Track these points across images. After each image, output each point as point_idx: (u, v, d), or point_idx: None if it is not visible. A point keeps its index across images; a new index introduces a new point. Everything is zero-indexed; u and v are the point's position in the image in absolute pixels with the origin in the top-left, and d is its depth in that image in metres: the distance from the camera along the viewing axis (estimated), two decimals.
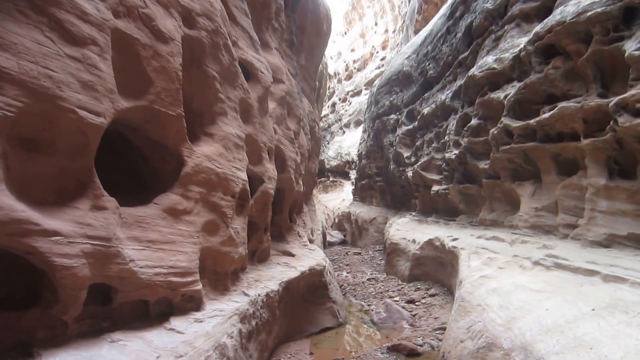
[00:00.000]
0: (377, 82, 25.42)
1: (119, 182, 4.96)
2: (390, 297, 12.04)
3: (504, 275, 7.35)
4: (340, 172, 40.94)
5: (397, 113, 19.82)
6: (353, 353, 8.01)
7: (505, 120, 9.29)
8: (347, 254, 21.31)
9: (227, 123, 6.49)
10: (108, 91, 4.13)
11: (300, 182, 11.62)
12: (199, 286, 5.23)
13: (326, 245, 21.84)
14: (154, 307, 4.75)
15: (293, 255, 9.78)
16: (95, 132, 3.97)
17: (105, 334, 4.12)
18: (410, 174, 16.94)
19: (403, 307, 10.67)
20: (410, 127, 17.81)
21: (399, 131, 18.91)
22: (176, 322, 4.78)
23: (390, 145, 20.24)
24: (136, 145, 5.36)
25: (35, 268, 3.62)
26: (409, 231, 15.62)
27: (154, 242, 4.67)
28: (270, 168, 8.40)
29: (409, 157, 17.70)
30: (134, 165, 5.62)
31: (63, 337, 3.81)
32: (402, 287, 13.11)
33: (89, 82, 3.90)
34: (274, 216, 9.65)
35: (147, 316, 4.69)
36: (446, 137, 13.56)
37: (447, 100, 13.50)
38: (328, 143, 44.66)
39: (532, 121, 8.44)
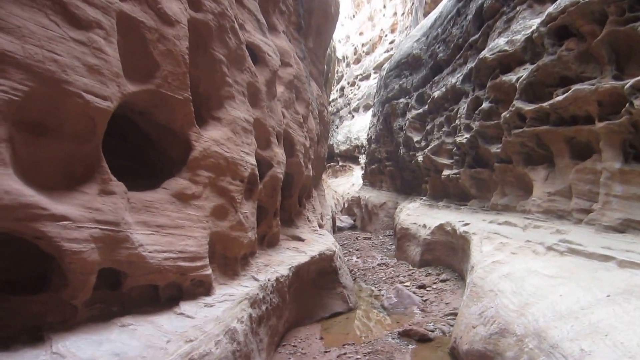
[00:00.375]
0: (386, 66, 25.11)
1: (126, 167, 4.93)
2: (401, 282, 12.02)
3: (517, 261, 7.27)
4: (350, 156, 40.77)
5: (407, 97, 19.59)
6: (364, 338, 8.01)
7: (518, 104, 9.11)
8: (357, 238, 21.31)
9: (235, 107, 6.42)
10: (114, 75, 4.08)
11: (310, 167, 11.55)
12: (209, 271, 5.22)
13: (336, 230, 21.84)
14: (164, 292, 4.76)
15: (303, 240, 9.77)
16: (102, 116, 3.93)
17: (115, 318, 4.12)
18: (420, 158, 16.78)
19: (414, 293, 10.64)
20: (420, 111, 17.59)
21: (409, 115, 18.70)
22: (186, 307, 4.78)
23: (400, 130, 20.06)
24: (143, 129, 5.32)
25: (43, 253, 3.61)
26: (419, 216, 15.53)
27: (163, 227, 4.66)
28: (279, 152, 8.34)
29: (419, 142, 17.52)
30: (141, 150, 5.59)
31: (73, 321, 3.82)
32: (412, 272, 13.07)
33: (95, 66, 3.85)
34: (283, 201, 9.61)
35: (157, 301, 4.69)
36: (457, 121, 13.39)
37: (457, 83, 13.28)
38: (337, 127, 44.43)
39: (545, 104, 8.26)
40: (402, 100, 20.13)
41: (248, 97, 6.99)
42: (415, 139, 17.95)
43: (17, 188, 3.22)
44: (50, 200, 3.50)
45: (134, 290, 4.44)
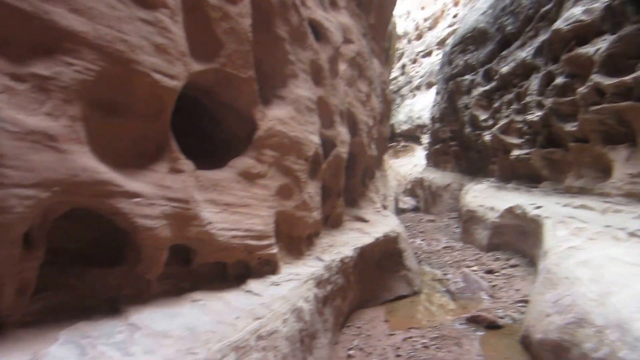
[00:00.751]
0: (449, 41, 24.06)
1: (192, 146, 5.00)
2: (468, 266, 11.57)
3: (595, 247, 6.73)
4: (411, 136, 39.79)
5: (473, 73, 18.67)
6: (429, 322, 7.80)
7: (596, 78, 8.35)
8: (420, 220, 20.84)
9: (298, 85, 6.34)
10: (180, 54, 4.10)
11: (373, 146, 11.34)
12: (275, 250, 5.24)
13: (398, 211, 21.48)
14: (232, 269, 4.83)
15: (366, 221, 9.64)
16: (170, 95, 3.97)
17: (186, 293, 4.23)
18: (487, 137, 16.00)
19: (482, 278, 10.23)
20: (487, 87, 16.68)
21: (475, 92, 17.81)
22: (253, 285, 4.83)
23: (465, 108, 19.23)
24: (209, 108, 5.36)
25: (119, 228, 3.73)
26: (486, 198, 14.86)
27: (230, 205, 4.70)
28: (342, 132, 8.21)
29: (486, 120, 16.68)
30: (206, 129, 5.65)
31: (147, 294, 3.95)
32: (480, 257, 12.55)
33: (162, 45, 3.87)
34: (346, 181, 9.48)
35: (225, 278, 4.77)
36: (527, 98, 12.53)
37: (528, 57, 12.42)
38: (398, 106, 43.38)
39: (627, 78, 7.51)
40: (467, 77, 19.24)
41: (311, 75, 6.88)
42: (482, 117, 17.11)
43: (93, 165, 3.32)
44: (124, 178, 3.60)
45: (203, 267, 4.53)
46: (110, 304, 3.74)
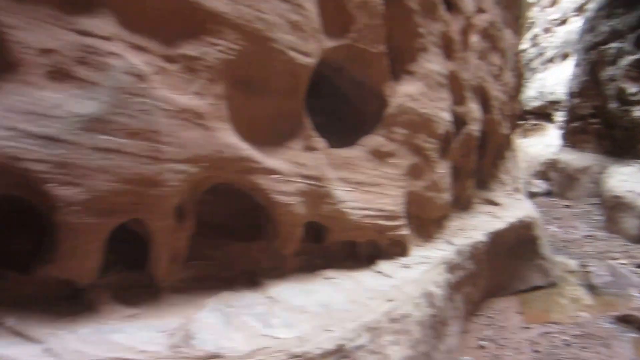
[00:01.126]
0: (591, 6, 21.33)
1: (321, 125, 5.00)
2: (614, 258, 10.29)
3: None
4: (543, 114, 36.31)
5: (619, 40, 16.35)
6: (568, 317, 7.05)
7: None
8: (554, 206, 19.02)
9: (429, 60, 5.99)
10: (314, 31, 4.06)
11: (505, 124, 10.48)
12: (405, 231, 5.08)
13: (529, 195, 19.90)
14: (362, 249, 4.79)
15: (497, 204, 8.98)
16: (305, 72, 3.97)
17: (319, 270, 4.29)
18: (637, 114, 14.09)
19: (632, 272, 9.02)
20: (638, 56, 14.61)
21: (622, 62, 15.65)
22: (383, 266, 4.73)
23: (610, 80, 16.98)
24: (337, 86, 5.31)
25: (258, 204, 3.85)
26: (637, 183, 13.15)
27: (361, 184, 4.62)
28: (474, 108, 7.65)
29: (636, 94, 14.65)
30: (334, 107, 5.61)
31: (283, 269, 4.08)
32: (628, 249, 11.09)
33: (297, 23, 3.86)
34: (477, 161, 8.91)
35: (355, 257, 4.75)
36: None
37: None
38: (528, 81, 39.87)
39: None
40: (612, 44, 16.90)
41: (441, 48, 6.46)
42: (630, 90, 15.06)
43: (235, 142, 3.45)
44: (262, 155, 3.70)
45: (334, 245, 4.55)
46: (249, 277, 3.91)
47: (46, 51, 2.59)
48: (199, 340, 2.81)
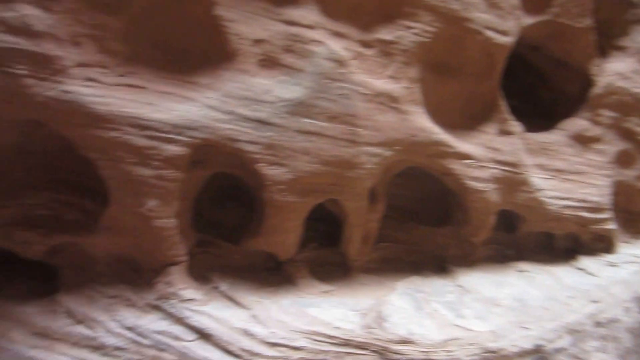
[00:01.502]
0: None
1: (515, 107, 4.71)
2: None
3: None
4: None
5: None
6: None
7: None
8: None
9: None
10: (512, 8, 3.81)
11: None
12: (612, 225, 4.51)
13: None
14: (559, 242, 4.41)
15: None
16: (501, 52, 3.76)
17: (510, 262, 4.07)
18: None
19: None
20: None
21: None
22: (585, 262, 4.29)
23: None
24: (535, 66, 4.92)
25: (447, 189, 3.83)
26: None
27: (561, 172, 4.23)
28: None
29: None
30: (531, 89, 5.23)
31: (472, 257, 3.95)
32: None
33: (494, 0, 3.68)
34: None
35: (551, 250, 4.39)
36: None
37: None
38: None
39: None
40: None
41: None
42: None
43: (429, 126, 3.44)
44: (455, 139, 3.62)
45: (528, 236, 4.27)
46: (436, 262, 3.91)
47: (258, 41, 2.92)
48: (391, 323, 2.88)
